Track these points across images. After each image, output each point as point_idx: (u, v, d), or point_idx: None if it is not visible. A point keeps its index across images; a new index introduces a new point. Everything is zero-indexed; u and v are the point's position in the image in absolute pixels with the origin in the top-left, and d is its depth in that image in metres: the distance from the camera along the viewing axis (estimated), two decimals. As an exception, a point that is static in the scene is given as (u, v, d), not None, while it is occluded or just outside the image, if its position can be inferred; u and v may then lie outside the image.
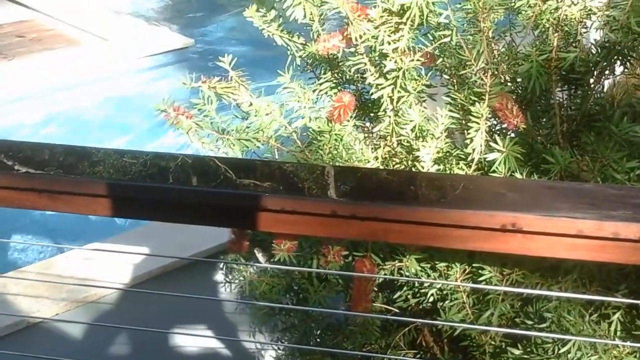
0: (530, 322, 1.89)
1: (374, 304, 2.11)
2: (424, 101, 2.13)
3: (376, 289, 2.09)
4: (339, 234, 1.49)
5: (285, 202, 1.38)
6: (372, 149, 2.15)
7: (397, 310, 2.21)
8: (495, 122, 2.08)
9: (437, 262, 1.87)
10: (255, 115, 2.01)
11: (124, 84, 6.37)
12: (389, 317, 2.06)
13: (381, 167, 2.07)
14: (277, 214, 1.39)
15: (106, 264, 2.85)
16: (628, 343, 1.81)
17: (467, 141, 1.92)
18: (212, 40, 7.44)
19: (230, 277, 2.55)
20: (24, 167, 1.49)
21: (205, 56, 6.51)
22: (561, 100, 2.14)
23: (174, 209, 1.47)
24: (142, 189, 1.44)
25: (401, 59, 1.95)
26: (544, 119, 2.12)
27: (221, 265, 2.83)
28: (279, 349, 2.48)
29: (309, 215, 1.39)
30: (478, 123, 1.86)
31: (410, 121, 1.99)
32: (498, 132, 2.08)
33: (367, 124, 2.25)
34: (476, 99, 1.95)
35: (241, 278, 2.35)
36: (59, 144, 1.58)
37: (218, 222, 1.55)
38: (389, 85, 2.00)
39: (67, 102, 6.17)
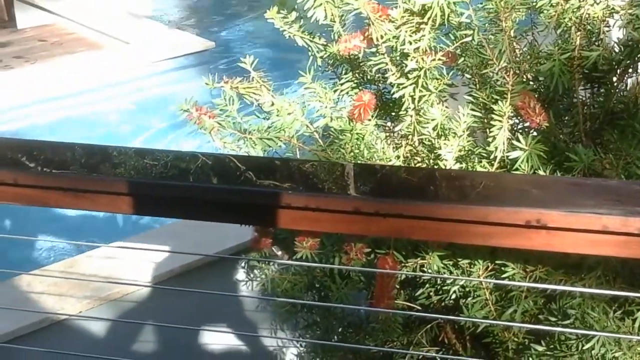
0: (553, 319, 1.88)
1: (396, 302, 2.11)
2: (446, 100, 2.13)
3: (398, 287, 2.09)
4: (362, 231, 1.49)
5: (308, 200, 1.38)
6: (393, 148, 2.15)
7: (419, 308, 2.21)
8: (517, 121, 2.08)
9: (459, 260, 1.87)
10: (277, 115, 2.02)
11: (145, 86, 6.41)
12: (411, 313, 2.06)
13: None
14: (300, 211, 1.40)
15: (129, 262, 2.87)
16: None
17: (490, 139, 1.92)
18: (232, 43, 7.47)
19: (251, 275, 2.56)
20: (48, 167, 1.51)
21: (226, 58, 6.53)
22: (584, 98, 2.13)
23: (197, 207, 1.48)
24: (165, 187, 1.45)
25: (422, 59, 1.95)
26: (567, 118, 2.12)
27: (243, 264, 2.84)
28: (300, 345, 2.49)
29: (332, 213, 1.39)
30: (501, 121, 1.86)
31: (432, 120, 1.99)
32: (520, 131, 2.08)
33: (389, 124, 2.26)
34: (498, 97, 1.95)
35: (263, 276, 2.36)
36: (82, 144, 1.60)
37: (241, 219, 1.56)
38: (410, 85, 2.00)
39: (88, 105, 6.21)
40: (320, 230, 1.60)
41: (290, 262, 1.70)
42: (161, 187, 1.45)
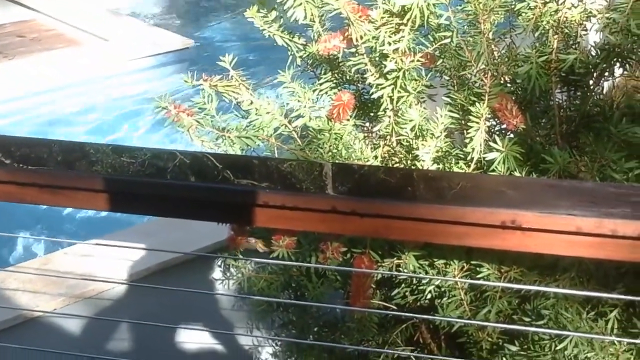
0: (527, 319, 1.90)
1: (372, 301, 2.12)
2: (424, 102, 2.14)
3: (374, 286, 2.09)
4: (339, 230, 1.50)
5: (285, 198, 1.39)
6: (371, 148, 2.16)
7: (394, 307, 2.22)
8: (494, 123, 2.09)
9: (435, 260, 1.88)
10: (256, 114, 2.02)
11: (124, 83, 6.38)
12: (388, 312, 2.06)
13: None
14: (277, 209, 1.40)
15: (104, 260, 2.86)
16: (625, 339, 1.82)
17: (467, 140, 1.93)
18: (211, 41, 7.45)
19: (228, 274, 2.56)
20: (25, 163, 1.50)
21: (205, 56, 6.52)
22: (560, 101, 2.15)
23: (175, 204, 1.48)
24: (143, 184, 1.45)
25: (401, 60, 1.96)
26: (543, 120, 2.14)
27: (219, 263, 2.84)
28: (276, 344, 2.49)
29: (309, 211, 1.40)
30: (478, 122, 1.87)
31: (410, 120, 2.00)
32: (497, 133, 2.10)
33: (367, 124, 2.27)
34: (476, 99, 1.96)
35: (239, 275, 2.36)
36: (59, 140, 1.59)
37: (218, 217, 1.56)
38: (389, 85, 2.01)
39: (67, 101, 6.17)
40: (297, 229, 1.60)
41: (267, 260, 1.70)
42: (139, 184, 1.45)
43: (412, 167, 2.02)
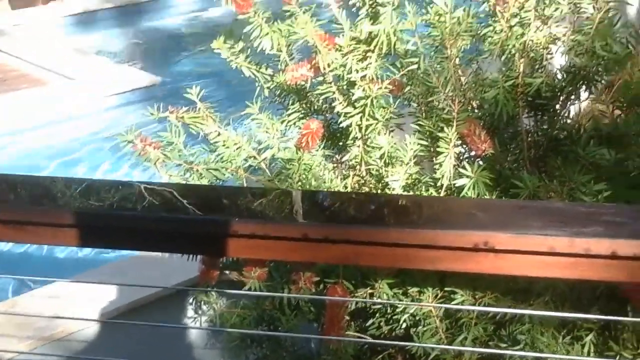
0: (504, 345, 1.88)
1: (347, 332, 2.09)
2: (392, 131, 2.13)
3: (348, 318, 2.07)
4: (311, 258, 1.48)
5: (256, 227, 1.36)
6: (341, 178, 2.14)
7: (369, 339, 2.19)
8: (463, 150, 2.09)
9: (409, 287, 1.86)
10: (223, 146, 2.01)
11: (91, 122, 6.33)
12: (364, 339, 2.03)
13: (351, 194, 2.06)
14: (248, 239, 1.38)
15: (72, 302, 2.80)
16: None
17: (436, 167, 1.93)
18: (178, 77, 7.43)
19: (200, 311, 2.52)
20: (-12, 198, 1.47)
21: (172, 93, 6.48)
22: (528, 126, 2.16)
23: (143, 237, 1.45)
24: (109, 217, 1.42)
25: (369, 87, 1.96)
26: (512, 145, 2.14)
27: (190, 300, 2.80)
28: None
29: (280, 240, 1.38)
30: (447, 147, 1.87)
31: (379, 148, 1.99)
32: (466, 160, 2.10)
33: (336, 155, 2.25)
34: (444, 125, 1.96)
35: (211, 311, 2.32)
36: (23, 175, 1.56)
37: (189, 249, 1.53)
38: (357, 114, 2.01)
39: (33, 142, 6.11)
40: (268, 258, 1.58)
41: (242, 292, 1.66)
42: (106, 217, 1.42)
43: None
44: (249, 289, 1.90)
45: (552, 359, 1.81)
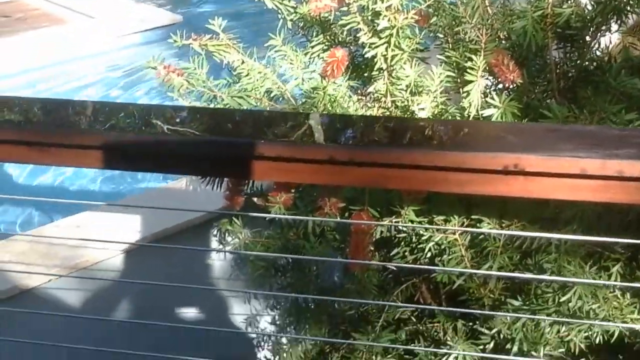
0: (530, 275, 1.88)
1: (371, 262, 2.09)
2: (418, 64, 2.10)
3: (373, 249, 2.07)
4: (336, 181, 1.46)
5: (281, 149, 1.35)
6: (365, 110, 2.12)
7: (394, 268, 2.20)
8: (490, 83, 2.06)
9: (434, 216, 1.85)
10: (247, 76, 1.98)
11: (110, 59, 6.31)
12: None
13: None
14: (273, 162, 1.36)
15: (96, 232, 2.82)
16: (634, 284, 1.80)
17: (464, 95, 1.90)
18: (200, 17, 7.36)
19: (224, 242, 2.53)
20: (12, 120, 1.46)
21: (193, 32, 6.44)
22: (557, 58, 2.12)
23: (168, 160, 1.44)
24: (135, 139, 1.41)
25: (395, 17, 1.92)
26: (541, 76, 2.10)
27: (215, 232, 2.81)
28: (275, 308, 2.46)
29: (306, 163, 1.36)
30: (475, 76, 1.83)
31: (406, 77, 1.96)
32: (494, 91, 2.06)
33: (361, 88, 2.23)
34: (471, 55, 1.92)
35: (236, 240, 2.33)
36: (49, 98, 1.55)
37: (213, 172, 1.52)
38: (382, 44, 1.97)
39: (53, 80, 6.11)
40: (294, 181, 1.57)
41: (268, 215, 1.64)
42: (131, 139, 1.41)
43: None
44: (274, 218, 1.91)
45: (576, 283, 1.80)
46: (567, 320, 1.85)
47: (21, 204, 4.13)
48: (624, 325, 1.84)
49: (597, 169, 1.24)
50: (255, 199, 1.87)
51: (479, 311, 2.01)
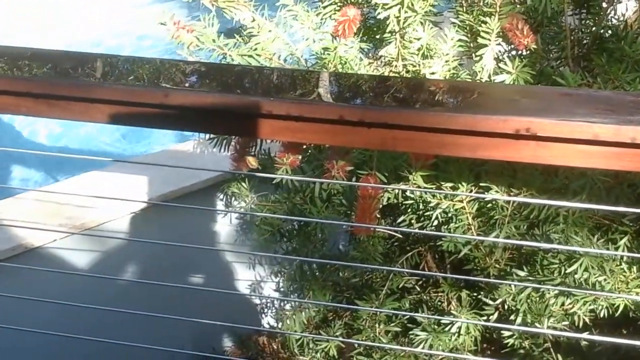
0: (536, 246, 1.86)
1: (377, 231, 2.08)
2: (431, 28, 2.07)
3: (379, 216, 2.05)
4: (346, 142, 1.44)
5: (290, 107, 1.32)
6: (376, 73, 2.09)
7: (400, 236, 2.18)
8: (503, 50, 2.03)
9: (442, 183, 1.83)
10: (258, 33, 1.95)
11: (116, 19, 6.28)
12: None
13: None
14: (282, 120, 1.34)
15: (103, 192, 2.80)
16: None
17: (476, 59, 1.88)
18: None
19: (230, 206, 2.52)
20: (19, 71, 1.45)
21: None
22: (572, 25, 2.09)
23: (175, 116, 1.42)
24: (143, 93, 1.39)
25: (409, -23, 1.89)
26: (555, 42, 2.07)
27: (221, 196, 2.80)
28: (280, 274, 2.46)
29: (315, 122, 1.34)
30: (489, 39, 1.81)
31: (418, 39, 1.93)
32: (508, 57, 2.04)
33: (372, 51, 2.20)
34: (485, 19, 1.89)
35: (242, 204, 2.32)
36: (56, 50, 1.53)
37: (220, 129, 1.50)
38: (395, 5, 1.94)
39: (56, 40, 6.09)
40: (302, 141, 1.55)
41: (279, 175, 1.62)
42: (138, 93, 1.39)
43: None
44: (280, 182, 1.89)
45: (582, 252, 1.78)
46: (573, 290, 1.83)
47: (28, 164, 4.13)
48: (630, 297, 1.82)
49: (611, 135, 1.21)
50: (249, 159, 1.85)
51: (484, 279, 2.00)
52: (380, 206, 1.95)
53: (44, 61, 1.51)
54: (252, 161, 1.82)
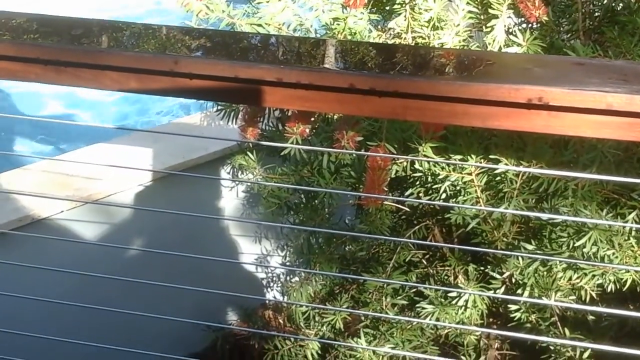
0: (545, 218, 1.85)
1: (385, 204, 2.07)
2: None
3: (387, 189, 2.04)
4: (356, 111, 1.43)
5: (300, 75, 1.31)
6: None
7: (407, 209, 2.18)
8: (513, 22, 2.01)
9: (451, 155, 1.82)
10: (267, 2, 1.94)
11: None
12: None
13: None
14: (291, 89, 1.33)
15: (112, 163, 2.80)
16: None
17: (487, 30, 1.86)
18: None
19: (237, 178, 2.52)
20: (27, 37, 1.44)
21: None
22: (584, -1, 2.07)
23: (184, 84, 1.41)
24: (152, 59, 1.38)
25: (420, -54, 1.87)
26: (566, 15, 2.06)
27: (227, 169, 2.79)
28: (286, 247, 2.46)
29: (325, 91, 1.33)
30: (500, 10, 1.79)
31: (428, 10, 1.91)
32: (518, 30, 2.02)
33: (382, 23, 2.18)
34: (497, -10, 1.88)
35: (250, 176, 2.31)
36: (65, 16, 1.52)
37: (228, 97, 1.49)
38: (406, -24, 1.92)
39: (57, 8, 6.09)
40: (312, 109, 1.53)
41: (288, 145, 1.61)
42: (148, 60, 1.38)
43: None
44: (289, 153, 1.88)
45: (591, 224, 1.78)
46: (581, 262, 1.83)
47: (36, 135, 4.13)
48: (638, 269, 1.82)
49: (624, 105, 1.20)
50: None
51: (492, 250, 1.99)
52: (389, 179, 1.95)
53: (53, 27, 1.50)
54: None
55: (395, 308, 2.24)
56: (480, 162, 1.81)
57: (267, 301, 3.17)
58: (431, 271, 2.31)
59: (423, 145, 1.76)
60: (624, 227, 1.83)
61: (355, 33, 1.98)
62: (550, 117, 1.27)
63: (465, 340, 2.23)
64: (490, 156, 1.80)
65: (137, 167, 2.72)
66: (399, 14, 1.99)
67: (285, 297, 2.71)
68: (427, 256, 2.31)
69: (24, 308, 2.49)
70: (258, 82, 1.35)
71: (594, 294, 1.95)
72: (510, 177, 1.87)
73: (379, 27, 2.16)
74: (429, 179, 1.95)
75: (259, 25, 1.87)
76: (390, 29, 2.10)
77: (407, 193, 2.03)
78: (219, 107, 2.20)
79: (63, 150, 3.66)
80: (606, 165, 1.80)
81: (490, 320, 2.25)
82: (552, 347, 2.01)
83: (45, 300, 1.81)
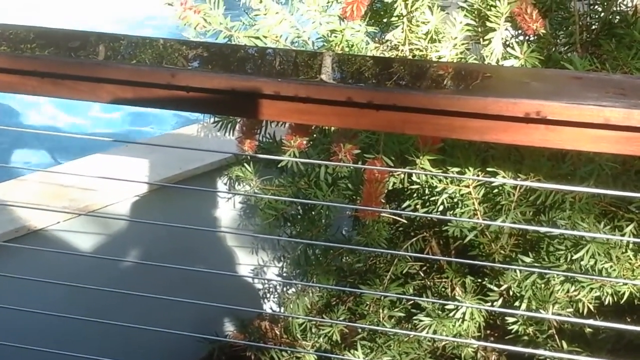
0: (543, 230, 1.85)
1: (382, 215, 2.07)
2: (439, 11, 2.06)
3: (384, 201, 2.04)
4: (354, 125, 1.43)
5: (298, 88, 1.31)
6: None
7: (405, 221, 2.18)
8: (511, 35, 2.02)
9: (449, 168, 1.82)
10: (265, 14, 1.94)
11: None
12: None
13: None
14: (289, 102, 1.33)
15: (109, 174, 2.79)
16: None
17: (485, 43, 1.87)
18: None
19: (233, 189, 2.51)
20: (24, 49, 1.43)
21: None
22: (581, 10, 2.07)
23: (182, 96, 1.40)
24: (150, 73, 1.38)
25: (417, -40, 1.88)
26: (563, 28, 2.06)
27: (224, 180, 2.79)
28: (283, 258, 2.45)
29: (323, 104, 1.33)
30: (497, 23, 1.79)
31: (425, 23, 1.91)
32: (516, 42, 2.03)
33: (379, 35, 2.19)
34: (495, 2, 1.88)
35: (247, 188, 2.31)
36: (62, 28, 1.52)
37: (227, 110, 1.49)
38: (403, -12, 1.93)
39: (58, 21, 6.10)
40: (309, 122, 1.53)
41: (285, 157, 1.61)
42: (145, 73, 1.38)
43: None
44: (285, 166, 1.88)
45: (588, 236, 1.78)
46: (579, 275, 1.82)
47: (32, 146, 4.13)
48: (636, 282, 1.82)
49: (621, 119, 1.20)
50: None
51: (489, 263, 1.99)
52: (386, 191, 1.95)
53: (49, 40, 1.50)
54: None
55: (393, 320, 2.23)
56: (478, 175, 1.81)
57: (263, 312, 3.16)
58: (428, 283, 2.31)
59: (420, 157, 1.76)
60: (621, 240, 1.82)
61: (352, 45, 1.98)
62: (548, 131, 1.27)
63: (463, 352, 2.22)
64: (488, 169, 1.80)
65: (133, 180, 2.71)
66: (397, 27, 2.00)
67: (282, 309, 2.71)
68: (425, 268, 2.30)
69: (20, 319, 2.48)
70: (255, 95, 1.35)
71: (591, 307, 1.95)
72: (507, 189, 1.87)
73: (377, 39, 2.17)
74: (427, 191, 1.95)
75: (257, 37, 1.87)
76: (387, 41, 2.11)
77: (404, 205, 2.03)
78: (216, 119, 2.20)
79: (60, 160, 3.66)
80: (604, 178, 1.80)
81: (488, 332, 2.24)
82: (549, 360, 2.00)
83: (41, 312, 1.80)
